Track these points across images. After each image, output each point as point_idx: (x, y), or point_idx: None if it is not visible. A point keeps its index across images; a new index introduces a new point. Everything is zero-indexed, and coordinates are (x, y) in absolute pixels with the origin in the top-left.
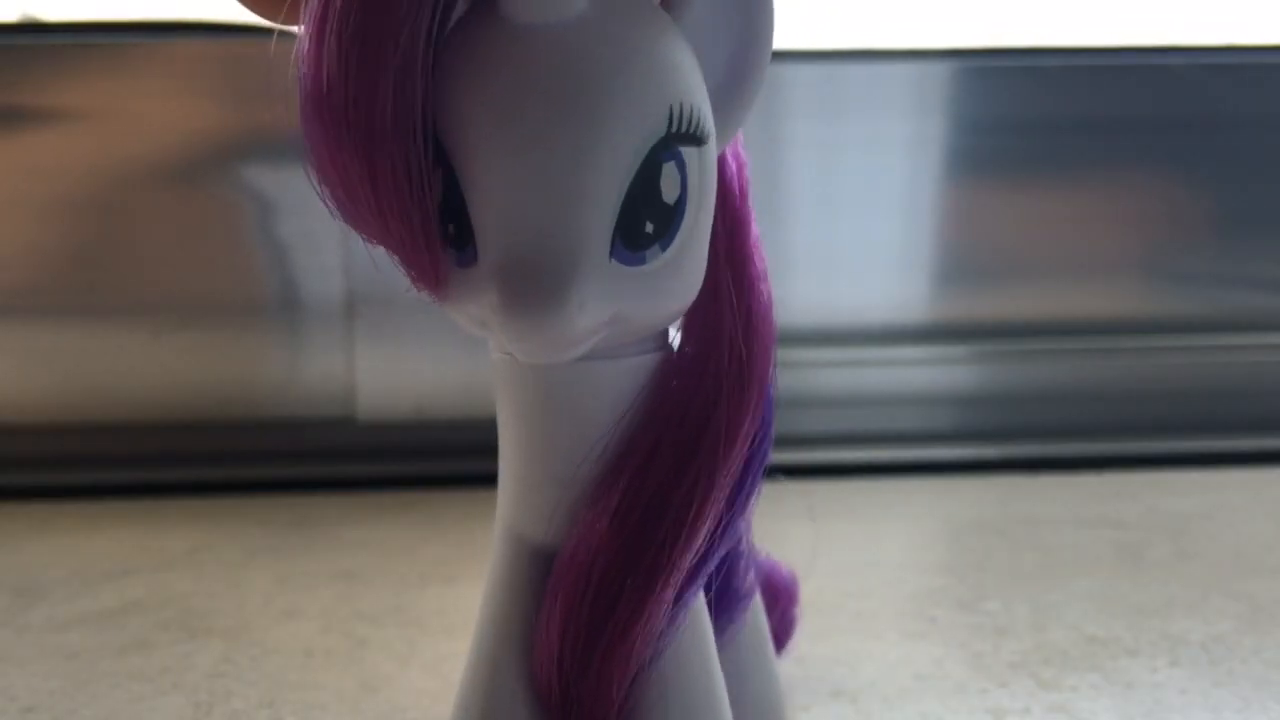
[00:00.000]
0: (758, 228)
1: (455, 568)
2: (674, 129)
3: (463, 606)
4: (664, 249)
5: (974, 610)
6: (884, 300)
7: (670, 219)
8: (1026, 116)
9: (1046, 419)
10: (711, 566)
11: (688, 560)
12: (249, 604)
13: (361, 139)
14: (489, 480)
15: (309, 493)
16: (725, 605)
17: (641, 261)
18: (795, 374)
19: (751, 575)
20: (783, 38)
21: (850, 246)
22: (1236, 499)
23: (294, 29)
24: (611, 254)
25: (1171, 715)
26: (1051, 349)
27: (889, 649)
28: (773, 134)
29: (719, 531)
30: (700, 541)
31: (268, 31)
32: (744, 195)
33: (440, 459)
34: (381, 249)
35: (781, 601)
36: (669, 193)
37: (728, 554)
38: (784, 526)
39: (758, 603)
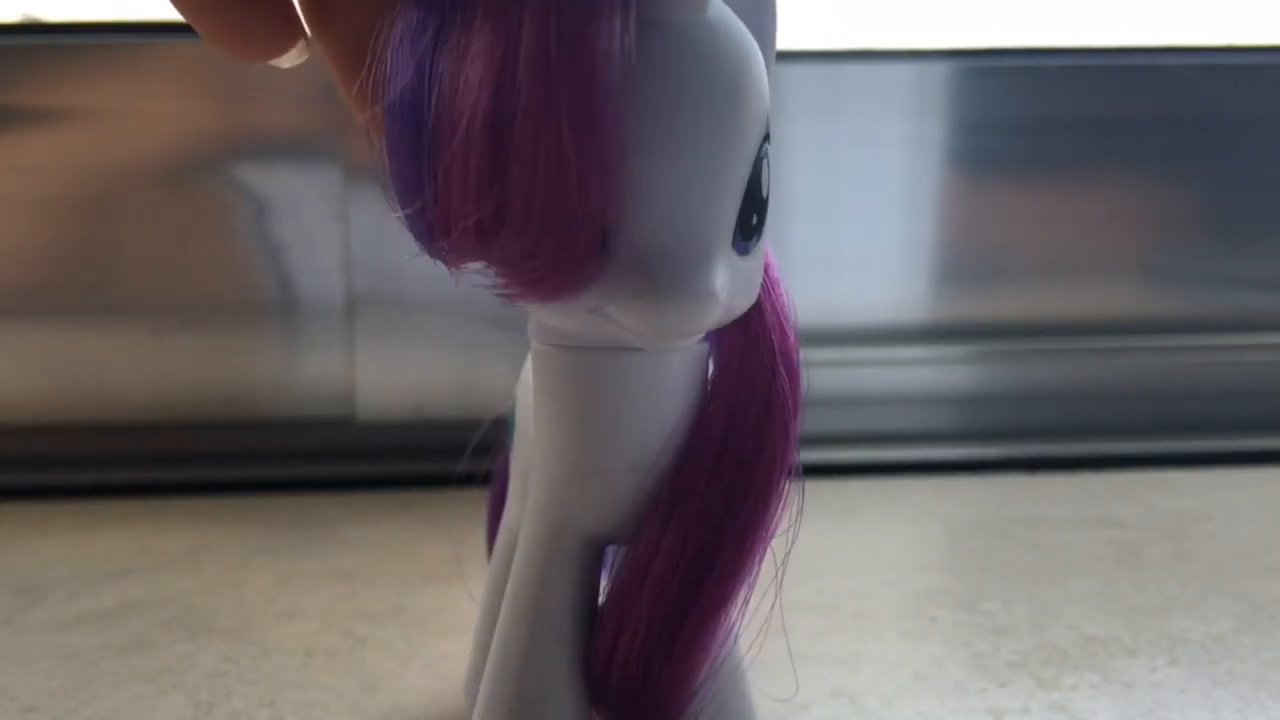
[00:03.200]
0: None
1: (455, 567)
2: (768, 126)
3: (463, 606)
4: (756, 240)
5: (973, 610)
6: (883, 300)
7: (765, 211)
8: (1026, 116)
9: (1046, 419)
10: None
11: (761, 551)
12: (249, 604)
13: (552, 137)
14: (489, 480)
15: (309, 493)
16: None
17: (747, 252)
18: None
19: None
20: (782, 38)
21: (849, 247)
22: (1236, 499)
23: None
24: (733, 244)
25: (1170, 715)
26: (1051, 349)
27: (889, 649)
28: (772, 134)
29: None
30: (771, 529)
31: None
32: None
33: (440, 459)
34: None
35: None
36: (766, 186)
37: None
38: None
39: None
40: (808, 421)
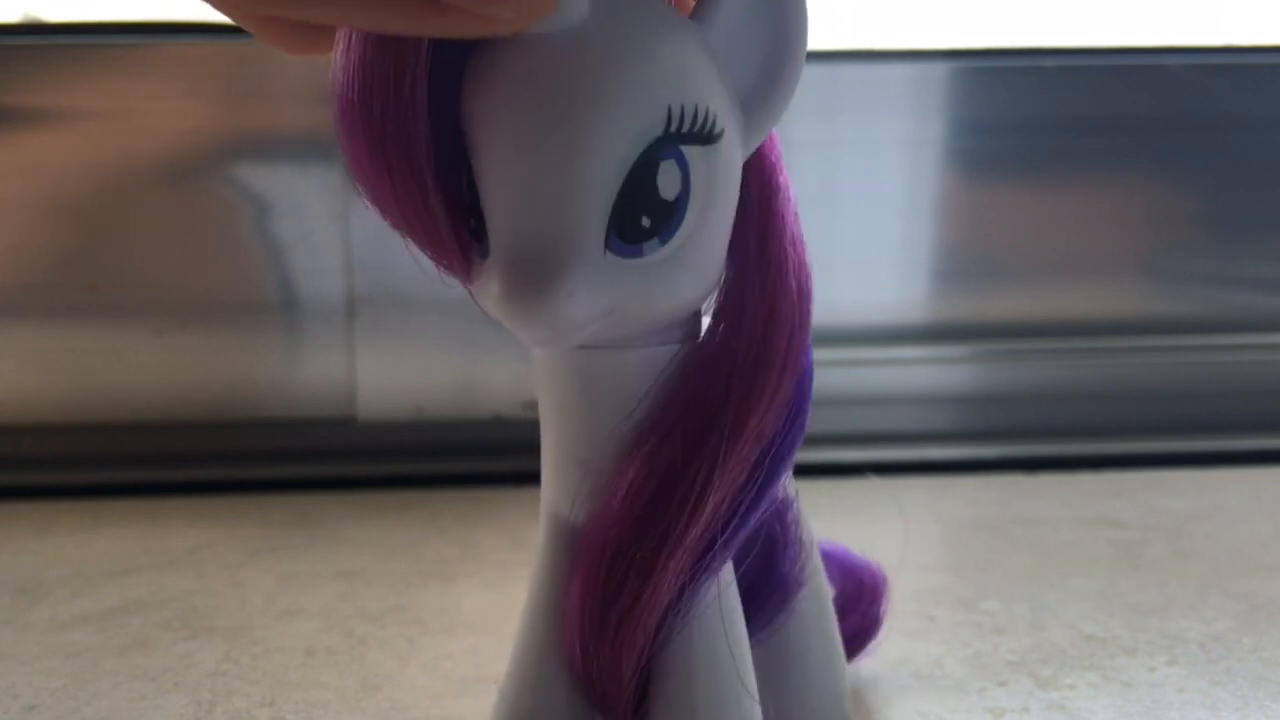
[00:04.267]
0: (798, 225)
1: (455, 567)
2: (673, 128)
3: (463, 605)
4: (663, 243)
5: (973, 609)
6: (883, 300)
7: (669, 215)
8: (1025, 117)
9: (1045, 419)
10: (726, 550)
11: (692, 539)
12: (250, 603)
13: (375, 139)
14: (489, 480)
15: (310, 492)
16: (766, 593)
17: (639, 254)
18: None
19: (802, 566)
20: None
21: (849, 247)
22: (1234, 498)
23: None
24: (607, 247)
25: (1169, 714)
26: (1050, 349)
27: (889, 648)
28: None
29: (734, 516)
30: (705, 523)
31: None
32: (778, 190)
33: (440, 459)
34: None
35: (865, 599)
36: (668, 189)
37: (767, 540)
38: None
39: (820, 595)
40: (809, 421)
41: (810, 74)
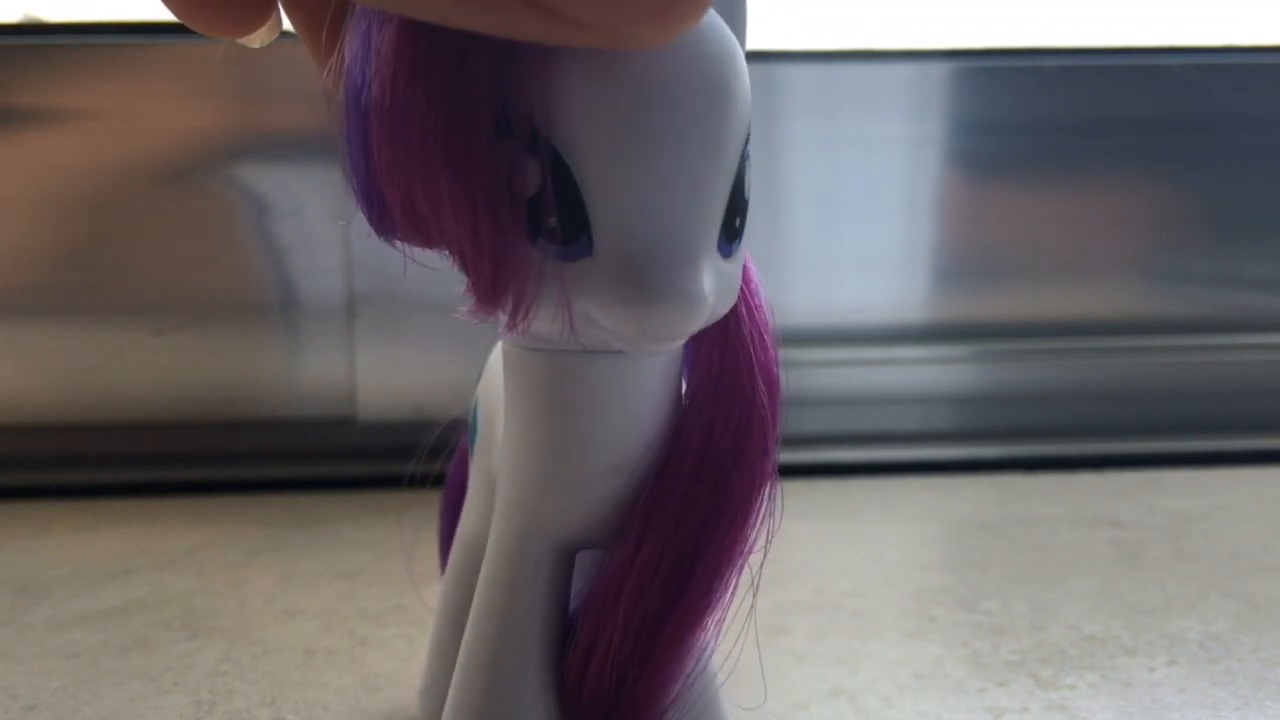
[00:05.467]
0: None
1: None
2: (751, 126)
3: None
4: (739, 242)
5: (973, 609)
6: (883, 300)
7: (746, 212)
8: (1025, 117)
9: (1045, 419)
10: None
11: (739, 563)
12: (250, 603)
13: (431, 140)
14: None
15: (310, 492)
16: None
17: (730, 254)
18: (794, 374)
19: None
20: (781, 38)
21: (849, 247)
22: (1234, 498)
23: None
24: (718, 246)
25: (1169, 714)
26: (1050, 349)
27: (888, 648)
28: (771, 135)
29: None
30: (749, 542)
31: None
32: None
33: (441, 459)
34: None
35: None
36: (747, 188)
37: None
38: (785, 526)
39: None
40: (807, 421)
41: (810, 74)
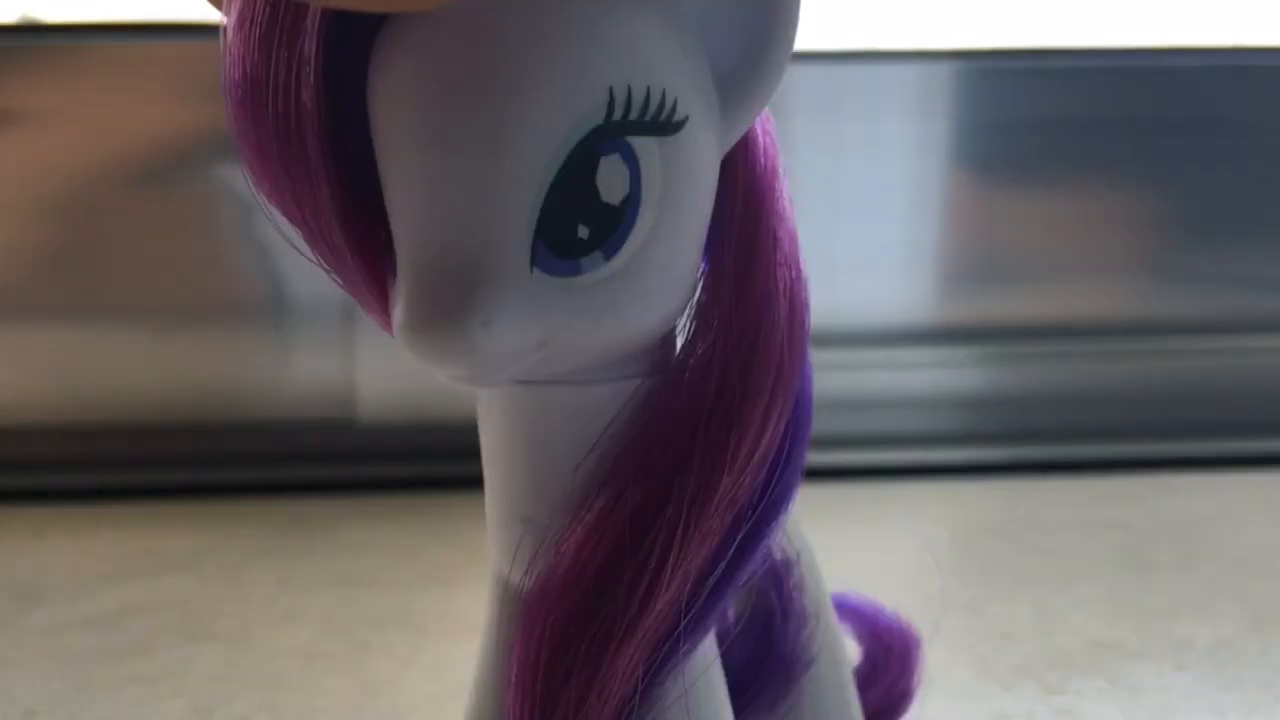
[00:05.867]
0: (794, 239)
1: (457, 570)
2: (617, 115)
3: (465, 610)
4: (608, 257)
5: (979, 613)
6: (888, 302)
7: (614, 222)
8: (1030, 117)
9: (1052, 421)
10: (692, 637)
11: (648, 625)
12: (250, 607)
13: (267, 138)
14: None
15: (310, 495)
16: (764, 676)
17: (576, 272)
18: None
19: (808, 641)
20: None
21: (853, 248)
22: (1243, 502)
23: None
24: (535, 264)
25: (1176, 719)
26: (1057, 351)
27: None
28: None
29: (699, 596)
30: (664, 605)
31: None
32: (770, 193)
33: (441, 461)
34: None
35: (894, 668)
36: (611, 191)
37: (763, 612)
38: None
39: (835, 671)
40: (813, 423)
41: (814, 74)
